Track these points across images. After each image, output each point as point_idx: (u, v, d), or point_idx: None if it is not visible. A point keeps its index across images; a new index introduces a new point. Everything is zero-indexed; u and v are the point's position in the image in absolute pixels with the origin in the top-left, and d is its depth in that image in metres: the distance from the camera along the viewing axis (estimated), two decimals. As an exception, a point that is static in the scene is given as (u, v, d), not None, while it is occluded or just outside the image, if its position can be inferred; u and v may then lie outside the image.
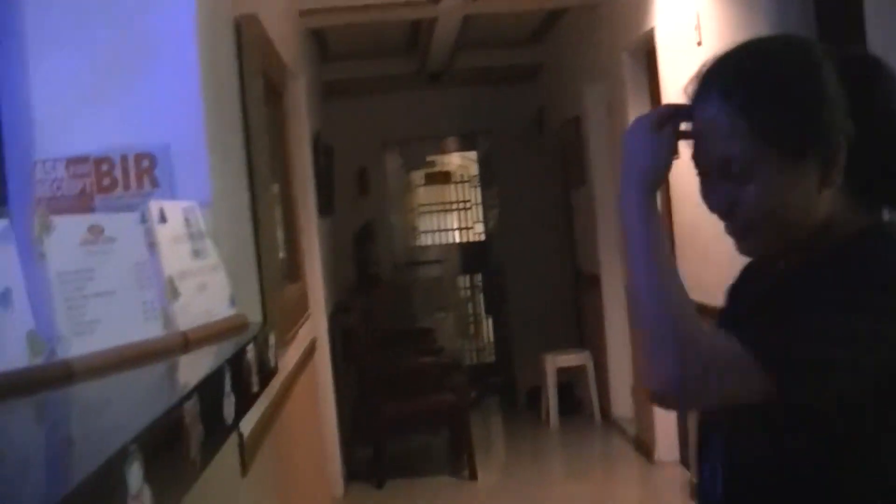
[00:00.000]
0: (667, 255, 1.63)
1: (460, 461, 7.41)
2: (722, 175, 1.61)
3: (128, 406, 1.51)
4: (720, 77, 1.64)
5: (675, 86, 5.47)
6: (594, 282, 8.08)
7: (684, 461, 6.26)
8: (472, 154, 11.39)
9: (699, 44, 5.06)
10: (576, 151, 8.41)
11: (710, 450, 1.76)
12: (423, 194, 11.56)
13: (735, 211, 1.62)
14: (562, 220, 9.56)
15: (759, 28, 4.07)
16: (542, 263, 9.80)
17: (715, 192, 1.64)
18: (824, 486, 1.59)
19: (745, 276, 1.88)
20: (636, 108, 6.42)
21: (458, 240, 11.57)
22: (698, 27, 5.06)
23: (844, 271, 1.57)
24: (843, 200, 1.64)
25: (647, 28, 6.04)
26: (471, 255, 11.36)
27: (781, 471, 1.62)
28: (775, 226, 1.61)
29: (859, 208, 1.66)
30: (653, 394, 1.58)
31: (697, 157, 1.65)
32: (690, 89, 1.68)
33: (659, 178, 1.66)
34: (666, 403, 1.66)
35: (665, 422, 6.54)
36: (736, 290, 1.89)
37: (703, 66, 1.68)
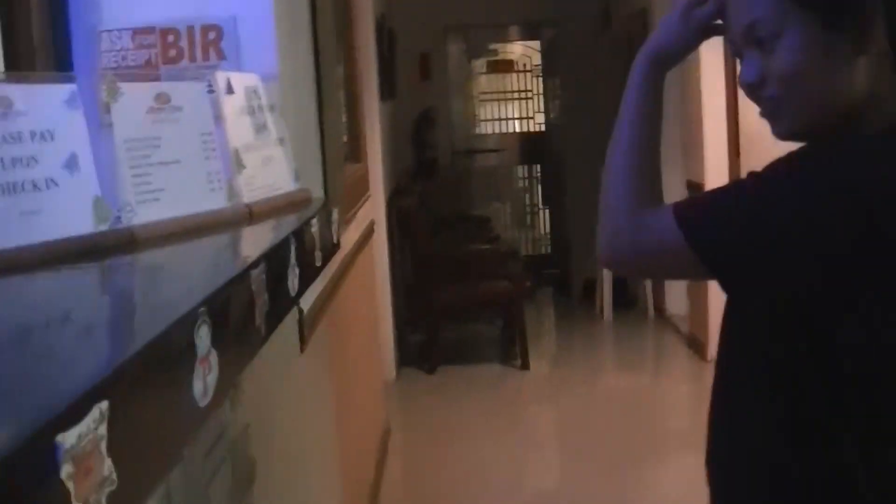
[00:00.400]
0: (648, 132, 1.65)
1: (512, 350, 7.44)
2: (749, 42, 1.51)
3: (194, 273, 1.51)
4: None
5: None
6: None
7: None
8: (536, 44, 11.24)
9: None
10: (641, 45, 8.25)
11: None
12: (485, 82, 11.45)
13: (765, 85, 1.51)
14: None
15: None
16: (602, 158, 9.67)
17: (745, 66, 1.55)
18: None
19: None
20: (706, 0, 6.26)
21: (517, 129, 11.48)
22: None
23: (820, 160, 1.47)
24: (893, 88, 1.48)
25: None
26: (530, 145, 11.28)
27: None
28: (806, 102, 1.49)
29: None
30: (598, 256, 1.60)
31: (729, 35, 1.58)
32: None
33: (669, 57, 1.66)
34: (608, 266, 1.68)
35: (719, 319, 6.50)
36: None
37: None
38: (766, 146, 1.64)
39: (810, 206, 1.41)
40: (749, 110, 5.45)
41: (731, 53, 1.61)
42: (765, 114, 1.55)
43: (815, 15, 1.44)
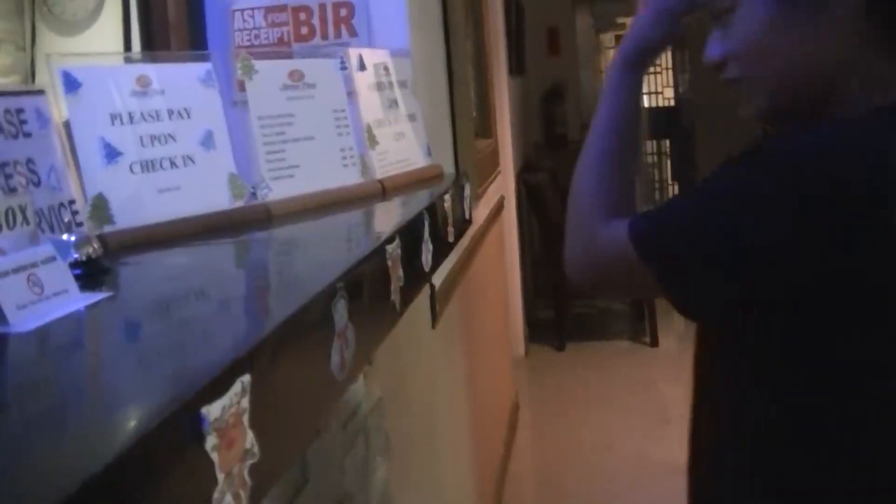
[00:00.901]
0: (624, 138, 1.51)
1: (641, 327, 7.37)
2: (713, 17, 1.39)
3: (329, 248, 1.52)
4: None
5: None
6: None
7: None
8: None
9: None
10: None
11: None
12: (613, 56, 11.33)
13: (727, 65, 1.40)
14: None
15: None
16: (733, 132, 9.51)
17: (708, 45, 1.42)
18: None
19: None
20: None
21: (646, 104, 11.34)
22: None
23: (774, 153, 1.29)
24: (879, 59, 1.28)
25: None
26: (659, 120, 11.14)
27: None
28: (772, 78, 1.34)
29: None
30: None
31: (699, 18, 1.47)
32: None
33: (644, 55, 1.55)
34: (571, 279, 1.50)
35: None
36: None
37: None
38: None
39: (752, 206, 1.24)
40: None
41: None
42: (732, 95, 1.41)
43: None
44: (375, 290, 1.28)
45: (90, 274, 1.19)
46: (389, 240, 1.36)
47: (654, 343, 7.13)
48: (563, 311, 7.27)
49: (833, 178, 1.20)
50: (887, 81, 1.28)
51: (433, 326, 2.72)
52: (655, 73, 11.27)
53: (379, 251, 1.31)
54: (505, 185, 6.01)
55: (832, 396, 1.28)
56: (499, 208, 5.37)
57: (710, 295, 1.32)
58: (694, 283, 1.31)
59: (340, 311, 1.06)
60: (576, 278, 1.48)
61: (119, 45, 5.07)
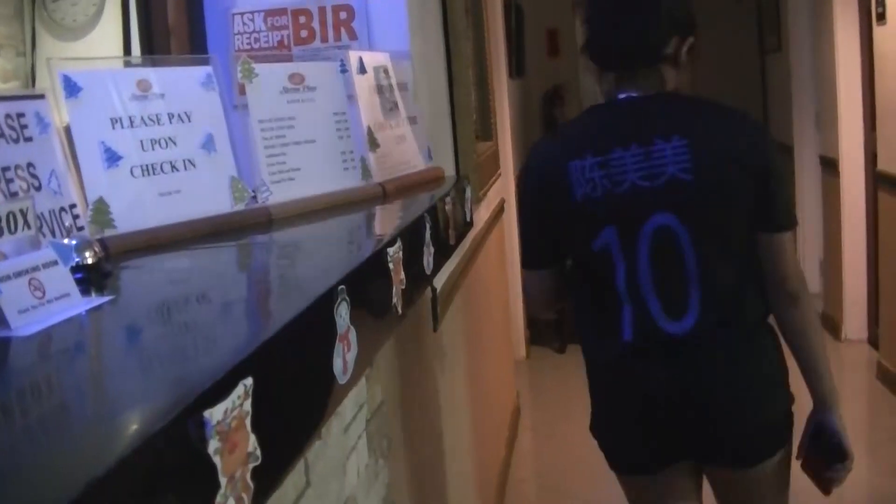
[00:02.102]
0: None
1: (643, 328, 7.35)
2: None
3: (330, 251, 1.52)
4: None
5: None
6: (786, 151, 7.81)
7: (872, 341, 6.05)
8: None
9: None
10: (773, 15, 8.06)
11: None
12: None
13: None
14: (755, 86, 9.23)
15: None
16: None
17: None
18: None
19: None
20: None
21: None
22: None
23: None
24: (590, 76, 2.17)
25: None
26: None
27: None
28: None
29: None
30: None
31: None
32: None
33: None
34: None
35: (855, 298, 6.33)
36: None
37: None
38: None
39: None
40: (887, 80, 5.25)
41: None
42: None
43: None
44: (377, 293, 1.28)
45: (92, 278, 1.19)
46: (391, 242, 1.36)
47: (656, 345, 7.11)
48: (564, 313, 7.25)
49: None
50: (602, 86, 2.10)
51: (435, 329, 2.71)
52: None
53: (380, 254, 1.30)
54: (505, 187, 6.00)
55: None
56: (499, 210, 5.36)
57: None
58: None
59: (342, 314, 1.06)
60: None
61: (119, 49, 5.07)
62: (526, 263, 2.17)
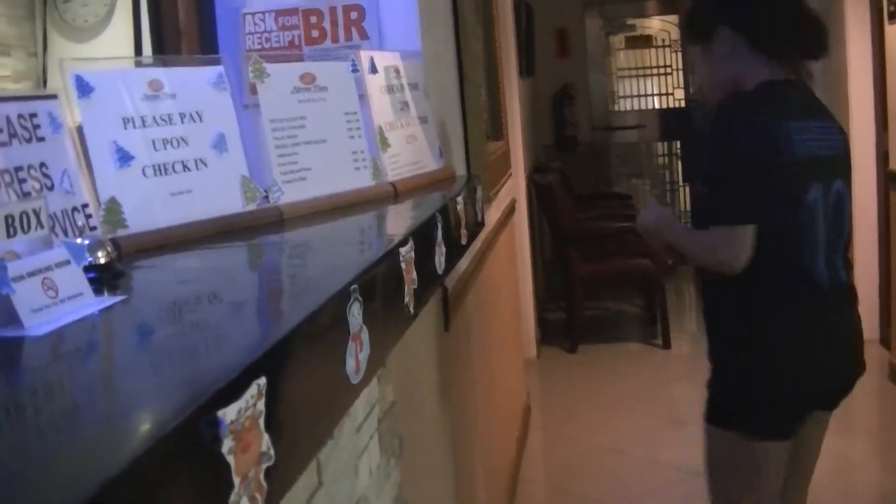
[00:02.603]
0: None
1: (653, 329, 7.34)
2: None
3: (342, 251, 1.52)
4: None
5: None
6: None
7: (884, 341, 6.03)
8: (674, 18, 11.04)
9: None
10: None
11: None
12: (623, 58, 11.30)
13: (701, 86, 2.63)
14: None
15: None
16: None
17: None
18: None
19: None
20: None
21: (657, 105, 11.31)
22: None
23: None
24: (752, 58, 2.47)
25: None
26: (670, 121, 11.10)
27: None
28: (713, 87, 2.52)
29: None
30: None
31: None
32: None
33: None
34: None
35: (866, 298, 6.28)
36: None
37: None
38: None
39: None
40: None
41: None
42: (699, 96, 2.42)
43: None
44: (389, 293, 1.28)
45: (104, 277, 1.19)
46: (403, 242, 1.36)
47: (667, 345, 7.10)
48: (574, 313, 7.25)
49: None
50: (758, 70, 2.35)
51: (446, 329, 2.71)
52: (665, 74, 11.24)
53: (392, 254, 1.30)
54: (516, 187, 6.00)
55: None
56: (510, 210, 5.36)
57: None
58: None
59: (355, 313, 1.06)
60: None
61: (130, 50, 5.09)
62: (737, 218, 2.25)
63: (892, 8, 5.11)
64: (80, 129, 1.52)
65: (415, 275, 1.39)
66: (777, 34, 2.38)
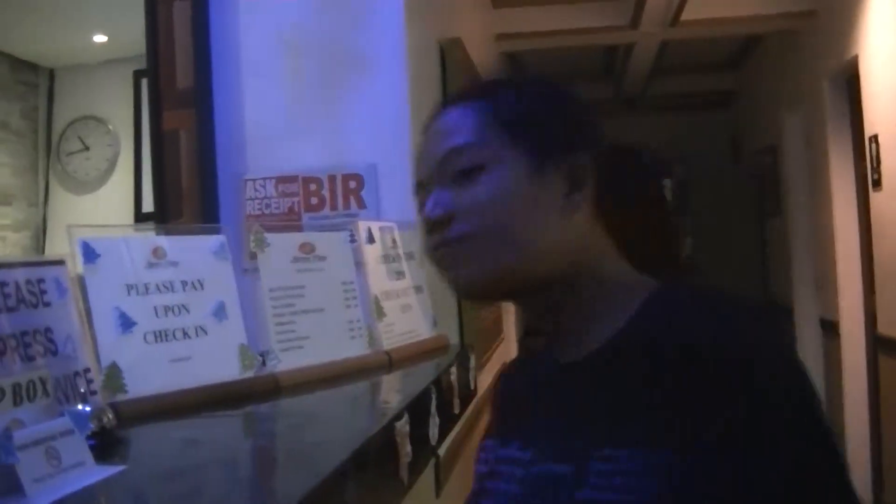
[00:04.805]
0: None
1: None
2: (443, 176, 1.30)
3: (336, 422, 1.54)
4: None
5: (881, 115, 5.29)
6: (787, 314, 7.84)
7: (880, 507, 6.00)
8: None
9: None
10: (772, 181, 8.21)
11: None
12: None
13: (453, 219, 1.26)
14: (755, 250, 9.33)
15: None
16: (735, 293, 9.48)
17: (432, 199, 1.30)
18: None
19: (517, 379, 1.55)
20: (837, 138, 6.22)
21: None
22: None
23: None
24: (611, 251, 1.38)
25: (851, 55, 5.84)
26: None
27: None
28: (502, 243, 1.25)
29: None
30: None
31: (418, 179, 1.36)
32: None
33: None
34: None
35: (858, 462, 6.27)
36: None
37: None
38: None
39: None
40: (884, 244, 5.30)
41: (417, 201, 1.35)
42: (444, 260, 1.30)
43: (529, 148, 1.28)
44: (384, 466, 1.30)
45: (104, 444, 1.21)
46: (398, 416, 1.38)
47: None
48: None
49: None
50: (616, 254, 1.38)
51: (437, 496, 2.70)
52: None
53: (388, 428, 1.33)
54: (508, 351, 6.02)
55: None
56: (501, 373, 5.37)
57: None
58: None
59: (350, 490, 1.08)
60: None
61: (129, 205, 5.15)
62: None
63: (875, 176, 5.23)
64: (83, 292, 1.55)
65: (409, 448, 1.41)
66: None
